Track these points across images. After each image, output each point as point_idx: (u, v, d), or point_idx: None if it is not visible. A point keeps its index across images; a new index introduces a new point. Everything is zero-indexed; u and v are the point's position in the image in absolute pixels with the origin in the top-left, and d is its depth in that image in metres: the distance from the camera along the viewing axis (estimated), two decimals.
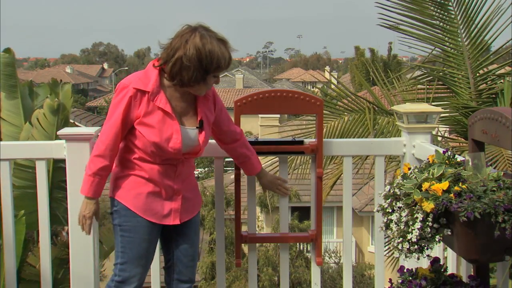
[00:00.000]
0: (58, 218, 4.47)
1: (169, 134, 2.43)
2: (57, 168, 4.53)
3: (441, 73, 5.13)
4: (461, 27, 4.89)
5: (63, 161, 3.83)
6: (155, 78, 2.43)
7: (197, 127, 2.51)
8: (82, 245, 2.88)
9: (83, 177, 2.50)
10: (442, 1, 4.85)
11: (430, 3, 4.90)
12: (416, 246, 1.94)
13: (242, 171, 2.94)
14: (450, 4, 4.86)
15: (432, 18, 4.96)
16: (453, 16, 4.90)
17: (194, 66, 2.35)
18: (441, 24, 4.96)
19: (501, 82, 4.81)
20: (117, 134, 2.43)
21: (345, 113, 5.10)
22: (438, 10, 4.91)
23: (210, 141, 2.66)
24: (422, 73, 5.32)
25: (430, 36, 5.01)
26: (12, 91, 4.92)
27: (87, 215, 2.51)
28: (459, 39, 4.94)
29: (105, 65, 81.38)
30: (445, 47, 5.05)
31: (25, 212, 4.11)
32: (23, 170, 4.35)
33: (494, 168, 4.09)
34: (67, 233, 4.94)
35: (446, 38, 5.00)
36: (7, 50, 5.01)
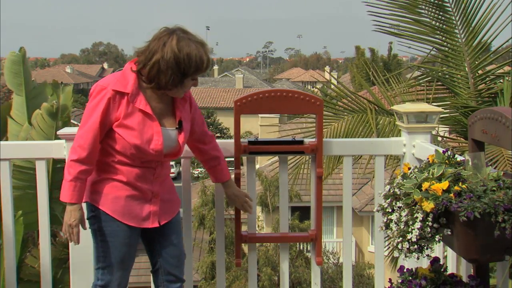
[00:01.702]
0: (57, 218, 4.47)
1: (149, 136, 2.40)
2: (56, 169, 4.54)
3: (440, 74, 5.13)
4: (459, 27, 4.89)
5: (62, 162, 3.82)
6: (133, 79, 2.39)
7: (176, 128, 2.49)
8: (82, 245, 2.87)
9: (63, 183, 2.40)
10: (438, 2, 4.84)
11: (425, 4, 4.89)
12: (416, 246, 1.94)
13: (242, 171, 2.94)
14: (447, 4, 4.86)
15: (428, 18, 4.94)
16: (449, 16, 4.89)
17: (171, 69, 2.33)
18: (438, 24, 4.95)
19: (500, 82, 4.81)
20: (95, 137, 2.37)
21: (346, 114, 5.09)
22: (435, 10, 4.90)
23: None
24: (421, 73, 5.32)
25: (427, 38, 5.00)
26: (18, 89, 4.93)
27: (73, 223, 2.42)
28: (457, 39, 4.93)
29: (105, 65, 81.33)
30: (443, 47, 5.05)
31: (23, 213, 4.11)
32: (21, 172, 4.35)
33: (494, 168, 4.09)
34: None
35: (444, 38, 5.00)
36: (20, 49, 5.02)
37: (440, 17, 4.91)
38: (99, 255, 2.51)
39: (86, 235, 2.62)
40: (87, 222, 2.50)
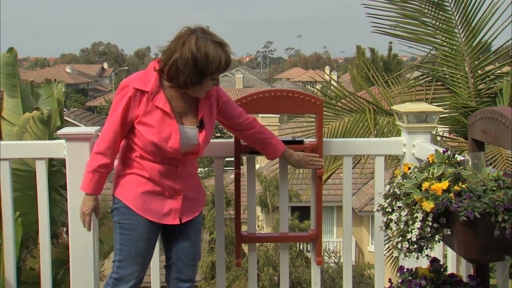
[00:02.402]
0: (55, 219, 4.48)
1: (167, 134, 2.44)
2: (53, 172, 4.55)
3: (440, 73, 5.13)
4: (459, 26, 4.89)
5: (58, 164, 3.82)
6: (154, 78, 2.44)
7: (197, 126, 2.52)
8: (82, 245, 2.88)
9: (83, 175, 2.54)
10: (438, 1, 4.84)
11: (425, 3, 4.88)
12: (415, 246, 1.94)
13: (242, 171, 2.94)
14: (447, 4, 4.85)
15: (427, 17, 4.94)
16: (449, 16, 4.88)
17: (189, 69, 2.35)
18: (437, 24, 4.95)
19: (500, 82, 4.81)
20: (116, 132, 2.46)
21: (345, 114, 5.09)
22: (435, 10, 4.90)
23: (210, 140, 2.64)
24: (421, 73, 5.31)
25: (427, 38, 5.00)
26: (13, 90, 4.93)
27: (86, 212, 2.53)
28: (457, 39, 4.93)
29: (105, 65, 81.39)
30: (442, 47, 5.05)
31: (21, 214, 4.11)
32: (17, 174, 4.34)
33: (493, 167, 4.09)
34: (67, 233, 4.95)
35: (444, 38, 4.99)
36: (10, 50, 5.02)
37: (440, 16, 4.90)
38: (117, 247, 2.56)
39: (86, 235, 2.63)
40: (111, 211, 2.59)
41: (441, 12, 4.88)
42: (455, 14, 4.85)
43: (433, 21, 4.94)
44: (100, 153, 2.48)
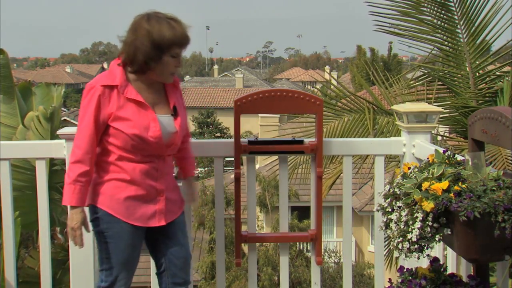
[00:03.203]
0: (54, 219, 4.47)
1: (146, 124, 2.40)
2: (53, 171, 4.54)
3: (441, 73, 5.12)
4: (462, 26, 4.88)
5: (58, 163, 3.81)
6: (120, 72, 2.42)
7: (171, 114, 2.50)
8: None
9: (64, 186, 2.41)
10: (442, 1, 4.83)
11: (428, 2, 4.87)
12: (416, 246, 1.94)
13: (242, 171, 2.94)
14: (451, 3, 4.84)
15: (430, 17, 4.93)
16: (451, 15, 4.87)
17: (146, 46, 2.35)
18: (439, 23, 4.94)
19: (500, 82, 4.81)
20: (91, 136, 2.37)
21: (345, 114, 5.09)
22: (437, 9, 4.89)
23: (209, 140, 2.64)
24: (422, 73, 5.31)
25: (428, 37, 4.99)
26: (8, 92, 4.92)
27: (76, 226, 2.40)
28: (459, 38, 4.92)
29: (105, 65, 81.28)
30: (444, 46, 5.04)
31: (20, 213, 4.10)
32: (18, 172, 4.34)
33: (493, 167, 4.08)
34: (62, 234, 4.95)
35: (445, 38, 4.99)
36: (1, 52, 4.99)
37: (442, 16, 4.89)
38: (103, 256, 2.49)
39: (86, 236, 2.62)
40: (90, 224, 2.48)
41: (444, 11, 4.87)
42: (458, 13, 4.84)
43: (435, 20, 4.93)
44: (77, 161, 2.37)
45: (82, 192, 2.39)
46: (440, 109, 3.00)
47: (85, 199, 2.42)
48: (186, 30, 2.42)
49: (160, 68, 2.41)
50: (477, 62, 4.91)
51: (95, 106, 2.37)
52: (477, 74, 4.90)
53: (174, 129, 2.48)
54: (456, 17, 4.86)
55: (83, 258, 2.89)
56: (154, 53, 2.36)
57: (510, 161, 4.50)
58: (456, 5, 4.82)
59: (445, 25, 4.91)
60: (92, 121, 2.37)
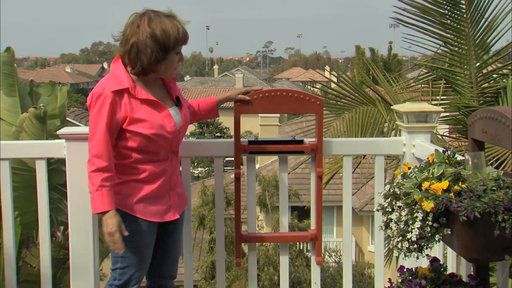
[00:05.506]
0: (52, 219, 4.47)
1: (161, 121, 2.44)
2: (51, 170, 4.52)
3: (444, 72, 5.12)
4: (469, 25, 4.87)
5: (56, 163, 3.80)
6: (126, 75, 2.43)
7: (176, 105, 2.55)
8: (82, 245, 2.88)
9: (90, 196, 2.37)
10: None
11: (444, 1, 4.86)
12: (415, 246, 1.94)
13: (242, 171, 2.94)
14: (461, 2, 4.83)
15: (444, 17, 4.93)
16: (460, 14, 4.86)
17: (151, 48, 2.35)
18: (450, 22, 4.94)
19: (504, 81, 4.80)
20: (107, 142, 2.37)
21: (353, 105, 5.06)
22: (450, 8, 4.88)
23: (209, 140, 2.65)
24: (424, 72, 5.30)
25: (443, 34, 4.98)
26: (11, 90, 4.91)
27: (113, 230, 2.35)
28: (464, 37, 4.91)
29: (105, 65, 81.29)
30: (452, 46, 5.04)
31: (19, 213, 4.10)
32: (17, 173, 4.33)
33: (502, 167, 4.07)
34: (62, 233, 4.94)
35: (453, 37, 4.99)
36: (7, 49, 5.01)
37: (454, 15, 4.89)
38: (119, 255, 2.48)
39: (86, 235, 2.62)
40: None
41: (455, 11, 4.87)
42: (467, 12, 4.82)
43: (447, 21, 4.93)
44: (98, 170, 2.35)
45: (110, 195, 2.37)
46: (440, 108, 3.00)
47: (113, 202, 2.38)
48: (185, 25, 2.45)
49: (165, 66, 2.44)
50: (480, 62, 4.90)
51: (107, 114, 2.36)
52: (480, 74, 4.89)
53: (181, 118, 2.54)
54: (465, 16, 4.84)
55: (84, 259, 2.89)
56: (160, 54, 2.38)
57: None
58: (466, 4, 4.81)
59: (455, 24, 4.91)
60: (106, 128, 2.36)
